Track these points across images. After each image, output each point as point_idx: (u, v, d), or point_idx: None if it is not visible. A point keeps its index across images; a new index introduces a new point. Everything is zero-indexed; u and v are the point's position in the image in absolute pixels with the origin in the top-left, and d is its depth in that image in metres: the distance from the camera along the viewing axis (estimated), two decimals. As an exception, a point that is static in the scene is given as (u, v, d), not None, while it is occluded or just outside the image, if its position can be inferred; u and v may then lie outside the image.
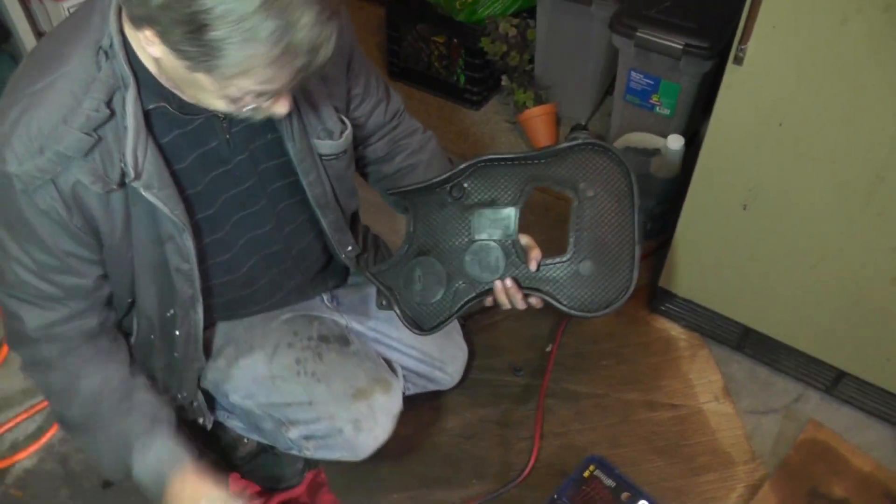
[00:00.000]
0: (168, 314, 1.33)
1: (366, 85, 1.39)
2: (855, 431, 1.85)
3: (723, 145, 1.61)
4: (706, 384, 1.93)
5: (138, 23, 0.95)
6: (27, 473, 1.79)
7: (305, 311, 1.58)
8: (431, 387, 1.77)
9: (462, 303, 1.39)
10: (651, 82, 2.22)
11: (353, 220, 1.57)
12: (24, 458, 1.80)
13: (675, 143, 2.05)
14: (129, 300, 1.32)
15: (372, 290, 1.62)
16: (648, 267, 2.19)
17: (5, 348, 1.99)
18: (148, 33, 0.94)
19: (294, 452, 1.53)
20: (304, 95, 1.23)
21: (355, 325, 1.64)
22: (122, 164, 1.09)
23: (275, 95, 1.03)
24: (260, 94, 1.00)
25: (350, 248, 1.50)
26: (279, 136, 1.26)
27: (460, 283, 1.39)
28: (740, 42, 1.43)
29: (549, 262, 1.41)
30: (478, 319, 2.07)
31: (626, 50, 2.16)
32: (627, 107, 2.32)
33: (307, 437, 1.47)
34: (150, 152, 1.11)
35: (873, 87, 1.34)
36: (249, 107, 1.03)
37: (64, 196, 1.09)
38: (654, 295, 2.04)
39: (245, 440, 1.72)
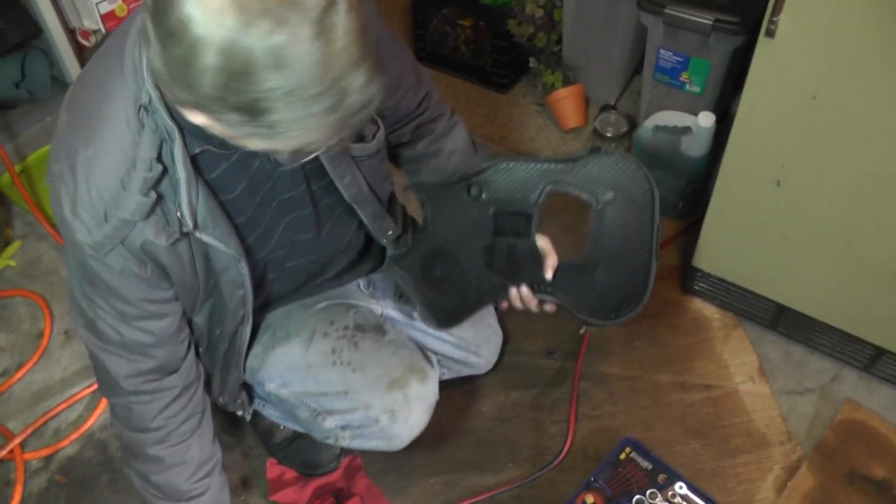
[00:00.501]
0: (217, 332, 1.38)
1: (396, 76, 1.39)
2: (894, 411, 1.82)
3: (755, 121, 1.58)
4: (740, 364, 1.91)
5: (183, 104, 0.92)
6: (70, 461, 1.83)
7: (342, 298, 1.59)
8: (466, 371, 1.78)
9: (477, 302, 1.40)
10: (680, 60, 2.18)
11: (390, 202, 1.57)
12: (67, 445, 1.84)
13: (706, 120, 2.02)
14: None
15: None
16: (680, 247, 2.17)
17: (45, 339, 2.03)
18: (200, 117, 0.93)
19: (330, 442, 1.54)
20: None
21: (391, 312, 1.65)
22: (179, 215, 1.13)
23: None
24: (311, 151, 1.01)
25: (390, 231, 1.51)
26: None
27: (476, 282, 1.40)
28: (772, 14, 1.40)
29: (564, 267, 1.42)
30: (509, 303, 2.07)
31: (654, 28, 2.13)
32: (657, 86, 2.29)
33: (343, 427, 1.48)
34: (201, 195, 1.14)
35: (910, 58, 1.31)
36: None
37: (134, 253, 1.13)
38: (687, 275, 2.02)
39: (281, 427, 1.73)
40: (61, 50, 2.57)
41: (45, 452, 1.83)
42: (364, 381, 1.46)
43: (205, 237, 1.17)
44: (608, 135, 2.37)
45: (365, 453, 1.78)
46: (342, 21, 0.84)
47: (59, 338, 2.06)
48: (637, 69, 2.60)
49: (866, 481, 1.70)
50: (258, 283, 1.37)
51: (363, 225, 1.46)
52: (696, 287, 2.02)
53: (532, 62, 2.58)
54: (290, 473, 1.75)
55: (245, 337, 1.42)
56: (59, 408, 1.89)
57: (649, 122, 2.19)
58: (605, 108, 2.52)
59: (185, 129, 1.07)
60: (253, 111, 0.86)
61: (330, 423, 1.48)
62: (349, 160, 1.32)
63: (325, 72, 0.84)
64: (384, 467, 1.77)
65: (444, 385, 1.77)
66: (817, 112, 1.48)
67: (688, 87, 2.23)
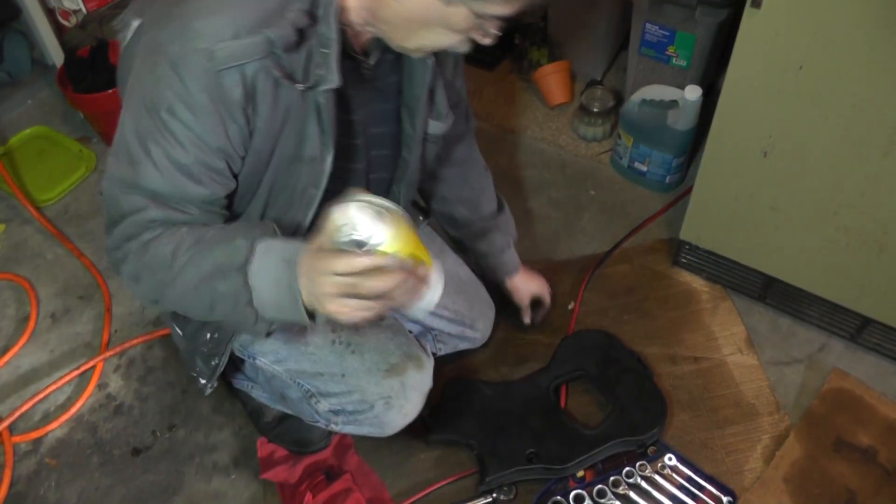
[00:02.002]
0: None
1: (462, 84, 1.49)
2: (880, 379, 1.83)
3: (742, 92, 1.58)
4: (729, 336, 1.92)
5: None
6: (59, 443, 1.82)
7: None
8: (463, 345, 1.80)
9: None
10: (666, 34, 2.18)
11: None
12: (56, 428, 1.84)
13: (693, 93, 2.02)
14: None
15: None
16: (668, 220, 2.17)
17: (32, 322, 2.02)
18: None
19: (320, 425, 1.52)
20: (440, 71, 1.31)
21: None
22: (325, 71, 1.08)
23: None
24: (494, 21, 1.07)
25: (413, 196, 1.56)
26: (398, 106, 1.32)
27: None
28: (758, -15, 1.40)
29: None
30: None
31: (639, 2, 2.13)
32: (643, 60, 2.29)
33: (336, 412, 1.46)
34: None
35: None
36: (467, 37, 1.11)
37: (246, 84, 1.05)
38: (675, 248, 2.02)
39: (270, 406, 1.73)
40: (41, 31, 2.54)
41: (33, 435, 1.82)
42: (362, 364, 1.44)
43: (328, 103, 1.11)
44: (594, 110, 2.36)
45: (356, 431, 1.79)
46: None
47: (45, 321, 2.04)
48: (623, 45, 2.60)
49: (852, 449, 1.72)
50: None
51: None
52: (684, 260, 2.03)
53: (517, 39, 2.57)
54: (281, 452, 1.75)
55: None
56: (48, 390, 1.87)
57: (636, 97, 2.19)
58: (592, 83, 2.52)
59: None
60: None
61: (323, 406, 1.46)
62: (424, 136, 1.36)
63: None
64: (375, 444, 1.77)
65: (437, 360, 1.79)
66: (803, 82, 1.48)
67: (674, 60, 2.23)
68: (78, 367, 1.91)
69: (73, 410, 1.85)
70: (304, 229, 1.25)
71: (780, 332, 1.94)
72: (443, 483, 1.70)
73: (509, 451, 1.69)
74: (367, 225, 1.02)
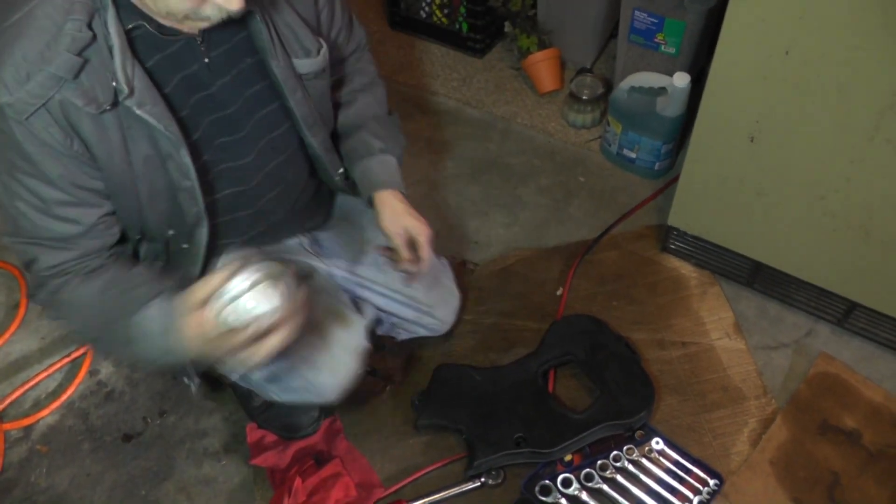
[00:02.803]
0: (171, 233, 1.33)
1: (331, 11, 1.41)
2: (866, 363, 1.85)
3: (728, 77, 1.59)
4: (717, 321, 1.93)
5: None
6: (50, 430, 1.83)
7: (282, 254, 1.57)
8: (423, 332, 1.75)
9: None
10: (655, 21, 2.19)
11: (335, 141, 1.55)
12: (47, 415, 1.84)
13: (681, 80, 2.03)
14: (138, 237, 1.33)
15: (354, 235, 1.64)
16: (657, 207, 2.18)
17: (22, 309, 2.02)
18: None
19: (269, 399, 1.51)
20: (278, 15, 1.26)
21: (337, 272, 1.62)
22: (115, 83, 1.10)
23: None
24: None
25: (340, 169, 1.51)
26: (261, 59, 1.27)
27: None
28: (744, -30, 1.41)
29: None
30: (488, 265, 2.08)
31: (629, -12, 2.13)
32: (632, 47, 2.29)
33: (270, 380, 1.45)
34: (137, 71, 1.12)
35: (882, 10, 1.32)
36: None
37: (58, 120, 1.09)
38: (664, 234, 2.03)
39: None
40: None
41: (25, 422, 1.82)
42: None
43: (142, 113, 1.12)
44: (584, 97, 2.37)
45: (345, 416, 1.79)
46: None
47: (36, 308, 2.04)
48: (613, 33, 2.60)
49: (838, 432, 1.74)
50: (207, 198, 1.30)
51: (308, 161, 1.45)
52: (672, 246, 2.04)
53: (507, 26, 2.57)
54: (270, 437, 1.76)
55: (201, 241, 1.34)
56: (39, 377, 1.88)
57: (625, 84, 2.19)
58: (581, 71, 2.52)
59: (120, 1, 1.08)
60: None
61: (257, 374, 1.44)
62: (298, 77, 1.31)
63: None
64: (364, 430, 1.79)
65: (423, 347, 1.80)
66: (790, 67, 1.49)
67: (663, 48, 2.23)
68: (69, 354, 1.92)
69: (65, 397, 1.86)
70: (202, 219, 1.31)
71: (767, 317, 1.95)
72: (432, 468, 1.72)
73: (498, 436, 1.70)
74: (250, 299, 1.08)
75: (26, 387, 1.86)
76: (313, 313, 1.39)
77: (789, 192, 1.69)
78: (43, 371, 1.89)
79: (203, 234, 1.34)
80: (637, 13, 2.20)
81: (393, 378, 1.86)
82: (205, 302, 1.10)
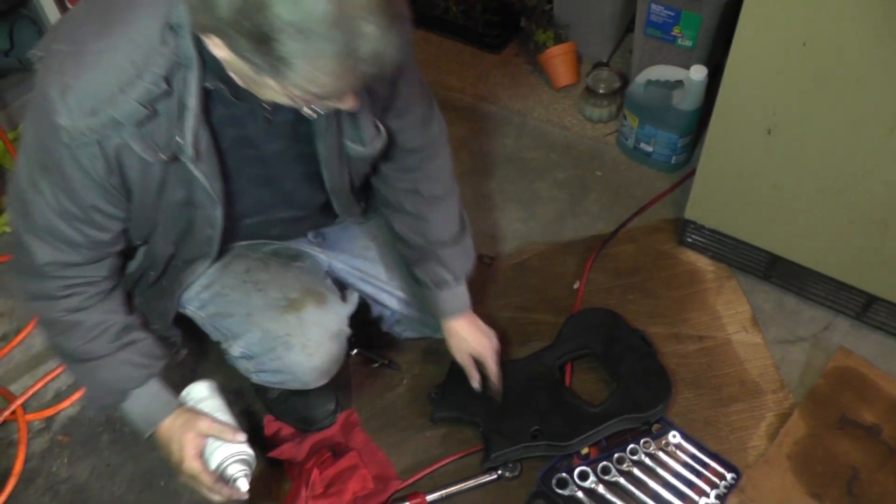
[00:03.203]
0: (173, 256, 1.37)
1: (407, 102, 1.37)
2: (885, 358, 1.84)
3: (746, 69, 1.58)
4: (734, 315, 1.93)
5: (203, 30, 0.95)
6: (71, 421, 1.85)
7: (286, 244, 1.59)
8: (426, 331, 1.76)
9: None
10: (672, 14, 2.18)
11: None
12: (68, 406, 1.86)
13: (698, 73, 2.02)
14: (140, 242, 1.35)
15: (358, 230, 1.65)
16: (673, 200, 2.18)
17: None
18: (214, 39, 0.95)
19: (253, 380, 1.53)
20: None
21: (338, 265, 1.63)
22: (180, 141, 1.11)
23: (340, 97, 1.03)
24: (324, 98, 1.00)
25: (357, 214, 1.55)
26: (312, 132, 1.27)
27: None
28: (761, -39, 1.40)
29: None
30: (505, 259, 2.08)
31: (645, -19, 2.12)
32: (648, 41, 2.29)
33: (248, 357, 1.46)
34: (202, 132, 1.14)
35: (899, 0, 1.31)
36: (314, 105, 1.04)
37: (107, 156, 1.10)
38: (681, 227, 2.03)
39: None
40: (50, 16, 2.55)
41: (46, 413, 1.85)
42: (264, 301, 1.44)
43: (196, 171, 1.16)
44: (600, 91, 2.37)
45: (362, 409, 1.80)
46: None
47: (56, 302, 2.07)
48: (629, 27, 2.59)
49: (856, 426, 1.73)
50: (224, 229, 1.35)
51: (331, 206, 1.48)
52: (689, 239, 2.03)
53: (523, 21, 2.56)
54: (287, 430, 1.77)
55: (197, 271, 1.42)
56: (59, 370, 1.90)
57: (641, 77, 2.19)
58: (598, 65, 2.52)
59: (206, 61, 1.07)
60: (263, 40, 0.88)
61: (235, 349, 1.46)
62: (343, 157, 1.32)
63: (338, 12, 0.86)
64: (381, 423, 1.79)
65: (433, 343, 1.82)
66: (807, 58, 1.48)
67: (679, 41, 2.23)
68: (88, 347, 1.93)
69: (84, 389, 1.87)
70: (210, 254, 1.38)
71: (785, 310, 1.94)
72: (448, 460, 1.72)
73: (514, 429, 1.70)
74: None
75: (47, 379, 1.89)
76: (292, 292, 1.44)
77: (806, 185, 1.68)
78: (63, 364, 1.90)
79: (205, 264, 1.42)
80: (653, 6, 2.19)
81: (405, 370, 1.87)
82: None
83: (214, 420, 1.38)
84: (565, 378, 1.83)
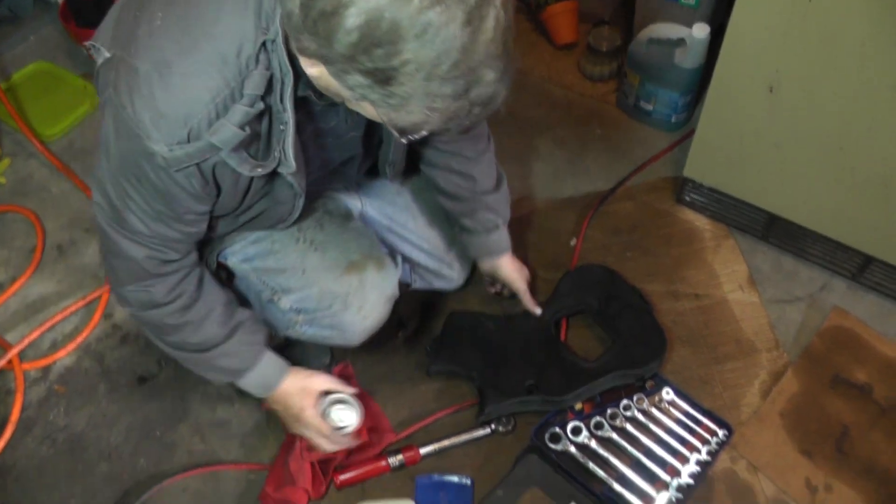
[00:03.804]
0: (242, 223, 1.38)
1: None
2: (880, 318, 1.85)
3: (748, 25, 1.56)
4: (731, 274, 1.93)
5: (309, 55, 0.93)
6: (67, 371, 1.85)
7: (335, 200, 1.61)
8: (437, 283, 1.77)
9: None
10: (675, -30, 2.15)
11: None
12: (64, 356, 1.87)
13: (701, 31, 1.99)
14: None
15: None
16: (673, 159, 2.17)
17: (38, 253, 2.04)
18: (318, 66, 0.93)
19: (288, 333, 1.54)
20: None
21: (370, 210, 1.65)
22: (282, 156, 1.12)
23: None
24: (431, 130, 0.99)
25: (400, 174, 1.56)
26: None
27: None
28: (768, -88, 1.38)
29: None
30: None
31: (649, -63, 2.09)
32: (651, -2, 2.26)
33: (298, 310, 1.47)
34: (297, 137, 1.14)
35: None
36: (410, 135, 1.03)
37: (204, 173, 1.10)
38: (679, 186, 2.02)
39: (272, 334, 1.74)
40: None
41: (43, 363, 1.85)
42: (322, 261, 1.46)
43: (290, 177, 1.18)
44: (602, 49, 2.34)
45: (356, 362, 1.81)
46: (494, 13, 0.86)
47: (52, 252, 2.06)
48: (632, -16, 2.55)
49: (849, 385, 1.74)
50: None
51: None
52: (687, 198, 2.02)
53: (524, -23, 2.53)
54: (284, 382, 1.77)
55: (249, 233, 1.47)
56: (55, 319, 1.90)
57: (643, 35, 2.16)
58: (599, 22, 2.48)
59: (300, 74, 1.04)
60: (383, 79, 0.87)
61: (285, 303, 1.47)
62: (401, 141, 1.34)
63: (464, 58, 0.85)
64: (376, 375, 1.80)
65: (433, 296, 1.82)
66: (812, 14, 1.46)
67: (682, -2, 2.19)
68: (84, 297, 1.94)
69: (80, 339, 1.88)
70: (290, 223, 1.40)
71: (782, 270, 1.94)
72: (443, 414, 1.74)
73: (509, 383, 1.71)
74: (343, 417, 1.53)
75: (43, 328, 1.89)
76: (352, 255, 1.47)
77: (808, 144, 1.67)
78: (59, 313, 1.91)
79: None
80: (657, -37, 2.16)
81: (406, 324, 1.87)
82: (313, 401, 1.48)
83: (328, 377, 1.52)
84: (561, 334, 1.83)
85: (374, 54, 0.85)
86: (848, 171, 1.65)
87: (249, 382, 1.46)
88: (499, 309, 1.88)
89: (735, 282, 1.91)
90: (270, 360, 1.46)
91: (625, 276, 1.88)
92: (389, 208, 1.66)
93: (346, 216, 1.57)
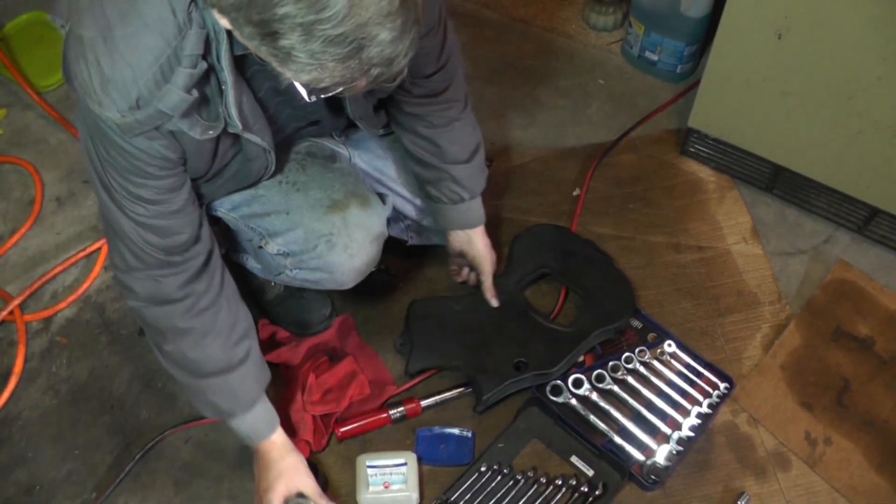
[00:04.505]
0: (219, 185, 1.38)
1: (427, 26, 1.33)
2: (884, 271, 1.84)
3: (758, -31, 1.53)
4: (734, 226, 1.91)
5: (212, 5, 0.92)
6: (69, 322, 1.85)
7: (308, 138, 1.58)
8: (436, 239, 1.76)
9: None
10: (683, -86, 2.09)
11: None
12: (65, 307, 1.87)
13: (708, -22, 1.95)
14: None
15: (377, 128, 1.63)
16: (677, 110, 2.14)
17: (37, 205, 2.03)
18: (224, 20, 0.93)
19: (280, 278, 1.53)
20: None
21: (359, 163, 1.62)
22: (227, 117, 1.13)
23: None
24: (333, 89, 0.97)
25: (378, 128, 1.54)
26: None
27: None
28: None
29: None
30: (504, 161, 2.06)
31: None
32: (658, -56, 2.20)
33: (286, 254, 1.46)
34: (244, 96, 1.14)
35: None
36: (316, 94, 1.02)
37: (163, 135, 1.11)
38: (683, 137, 2.00)
39: (272, 284, 1.74)
40: None
41: (44, 314, 1.85)
42: (306, 201, 1.44)
43: (247, 135, 1.18)
44: (607, -2, 2.30)
45: (357, 314, 1.80)
46: None
47: (51, 204, 2.05)
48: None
49: (850, 338, 1.73)
50: None
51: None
52: (691, 149, 2.00)
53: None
54: (283, 334, 1.77)
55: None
56: (55, 271, 1.90)
57: (649, -18, 2.11)
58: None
59: (233, 34, 1.03)
60: (268, 32, 0.86)
61: (272, 247, 1.46)
62: (367, 93, 1.33)
63: (347, 16, 0.82)
64: (377, 327, 1.80)
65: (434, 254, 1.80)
66: (823, -43, 1.43)
67: (690, -57, 2.14)
68: (84, 249, 1.93)
69: (81, 291, 1.88)
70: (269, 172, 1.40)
71: (786, 222, 1.93)
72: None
73: (497, 364, 1.67)
74: None
75: (43, 280, 1.88)
76: (335, 193, 1.44)
77: (816, 92, 1.64)
78: (59, 265, 1.91)
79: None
80: None
81: (400, 276, 1.87)
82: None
83: (313, 481, 1.50)
84: (529, 302, 1.79)
85: (258, 5, 0.84)
86: (856, 119, 1.63)
87: (238, 426, 1.45)
88: (460, 288, 1.83)
89: (738, 234, 1.90)
90: (263, 409, 1.46)
91: (628, 227, 1.86)
92: (378, 161, 1.63)
93: (331, 157, 1.54)
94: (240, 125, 1.14)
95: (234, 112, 1.12)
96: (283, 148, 1.46)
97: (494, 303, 1.73)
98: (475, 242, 1.68)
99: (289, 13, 0.82)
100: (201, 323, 1.33)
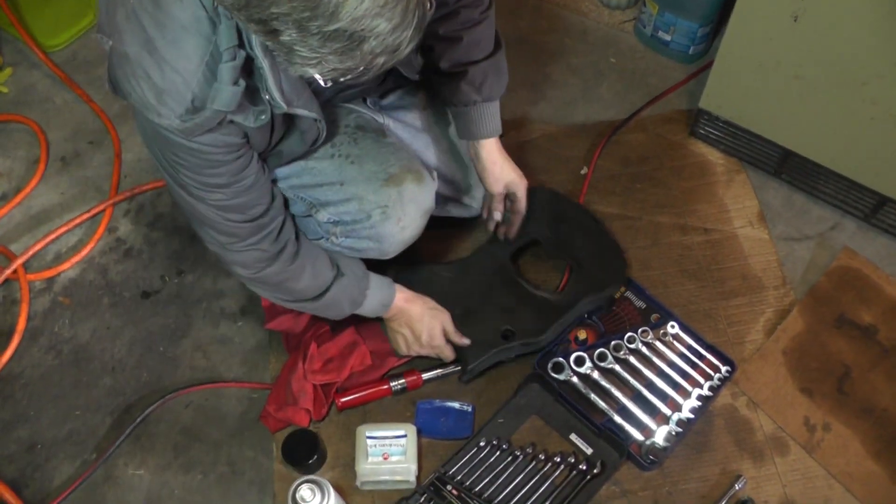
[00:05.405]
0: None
1: None
2: (890, 261, 1.83)
3: (777, -51, 1.51)
4: (741, 209, 1.91)
5: (223, 3, 0.92)
6: (72, 283, 1.86)
7: (344, 106, 1.59)
8: (456, 211, 1.77)
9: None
10: None
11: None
12: (68, 268, 1.87)
13: (726, -43, 1.93)
14: None
15: (410, 100, 1.66)
16: (689, 91, 2.12)
17: (42, 164, 2.03)
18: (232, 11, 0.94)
19: (324, 244, 1.54)
20: None
21: (393, 128, 1.64)
22: (269, 99, 1.15)
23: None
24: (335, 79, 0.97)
25: (415, 70, 1.52)
26: None
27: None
28: None
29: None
30: (513, 136, 2.04)
31: None
32: (675, -78, 2.17)
33: (335, 223, 1.48)
34: (282, 74, 1.15)
35: None
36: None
37: (223, 124, 1.15)
38: (693, 118, 1.98)
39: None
40: None
41: (47, 274, 1.85)
42: (360, 173, 1.46)
43: (295, 110, 1.20)
44: (622, -25, 2.27)
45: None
46: None
47: (55, 164, 2.04)
48: None
49: (853, 326, 1.73)
50: None
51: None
52: (701, 131, 1.99)
53: None
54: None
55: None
56: (59, 231, 1.90)
57: (665, -40, 2.09)
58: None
59: None
60: (269, 29, 0.87)
61: (323, 216, 1.48)
62: None
63: (343, 10, 0.82)
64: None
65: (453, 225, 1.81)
66: (844, -61, 1.41)
67: (708, -78, 2.11)
68: (88, 210, 1.93)
69: (85, 252, 1.88)
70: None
71: (793, 208, 1.92)
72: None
73: (484, 333, 1.67)
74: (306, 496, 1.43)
75: (47, 240, 1.88)
76: (391, 168, 1.47)
77: (829, 76, 1.62)
78: (63, 225, 1.90)
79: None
80: None
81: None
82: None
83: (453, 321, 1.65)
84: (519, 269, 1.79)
85: (254, 3, 0.85)
86: (869, 106, 1.61)
87: (368, 307, 1.56)
88: (450, 255, 1.84)
89: (745, 217, 1.89)
90: (378, 280, 1.57)
91: (634, 207, 1.85)
92: (410, 130, 1.65)
93: (381, 131, 1.56)
94: (284, 105, 1.16)
95: (276, 94, 1.14)
96: (330, 119, 1.47)
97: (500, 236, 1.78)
98: (482, 157, 1.65)
99: (284, 11, 0.83)
100: (303, 260, 1.44)
